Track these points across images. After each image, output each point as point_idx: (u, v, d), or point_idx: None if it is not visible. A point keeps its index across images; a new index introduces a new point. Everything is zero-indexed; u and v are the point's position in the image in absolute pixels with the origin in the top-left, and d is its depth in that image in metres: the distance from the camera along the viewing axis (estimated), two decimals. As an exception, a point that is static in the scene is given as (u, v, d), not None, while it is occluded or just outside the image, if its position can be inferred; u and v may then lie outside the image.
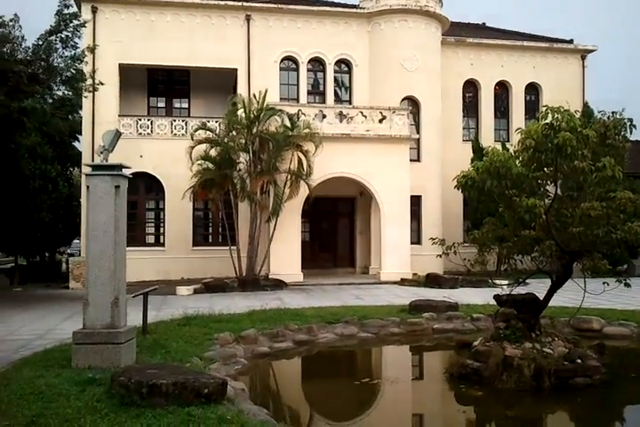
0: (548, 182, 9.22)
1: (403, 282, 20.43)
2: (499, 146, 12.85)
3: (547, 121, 8.15)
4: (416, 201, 23.29)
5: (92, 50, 17.25)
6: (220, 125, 21.49)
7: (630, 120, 9.63)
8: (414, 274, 21.03)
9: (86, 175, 8.27)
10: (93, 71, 20.84)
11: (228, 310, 13.77)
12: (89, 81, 17.85)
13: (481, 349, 9.33)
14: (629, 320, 12.46)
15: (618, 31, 68.01)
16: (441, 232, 22.72)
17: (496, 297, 9.97)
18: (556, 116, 8.11)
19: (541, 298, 9.84)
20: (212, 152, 19.79)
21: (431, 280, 19.69)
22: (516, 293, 9.86)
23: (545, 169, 8.93)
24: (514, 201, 8.47)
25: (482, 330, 12.15)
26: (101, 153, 8.39)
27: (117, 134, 8.62)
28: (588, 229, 8.80)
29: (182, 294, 17.95)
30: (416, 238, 22.91)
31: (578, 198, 9.39)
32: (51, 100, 24.41)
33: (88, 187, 8.28)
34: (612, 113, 9.86)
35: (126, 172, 8.73)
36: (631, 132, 9.55)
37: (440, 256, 9.86)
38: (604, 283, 9.18)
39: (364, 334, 12.39)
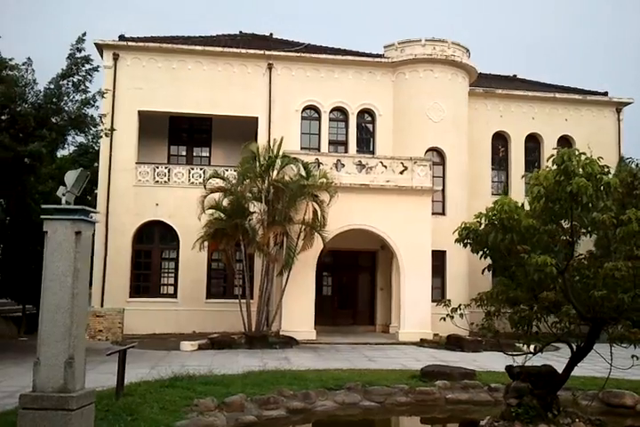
0: (566, 237, 8.11)
1: (422, 343, 19.12)
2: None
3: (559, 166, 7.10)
4: (440, 256, 22.16)
5: (103, 94, 16.94)
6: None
7: (661, 169, 8.52)
8: (435, 334, 19.69)
9: (44, 219, 7.50)
10: (112, 117, 20.80)
11: (227, 369, 12.82)
12: (101, 126, 17.51)
13: (488, 429, 8.09)
14: (667, 395, 11.00)
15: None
16: (467, 290, 21.50)
17: (507, 369, 8.75)
18: (570, 160, 7.07)
19: (560, 371, 8.59)
20: (225, 202, 19.12)
21: (452, 342, 18.31)
22: (531, 364, 8.63)
23: (561, 222, 7.85)
24: (522, 258, 7.36)
25: (500, 402, 10.79)
26: (64, 195, 7.64)
27: (83, 174, 7.89)
28: (612, 292, 7.62)
29: (186, 350, 16.97)
30: (440, 296, 21.59)
31: (601, 257, 8.26)
32: (74, 148, 24.45)
33: (46, 232, 7.51)
34: (642, 161, 8.83)
35: (94, 217, 7.98)
36: (662, 183, 8.42)
37: (444, 319, 8.70)
38: (632, 356, 7.93)
39: (367, 403, 11.14)
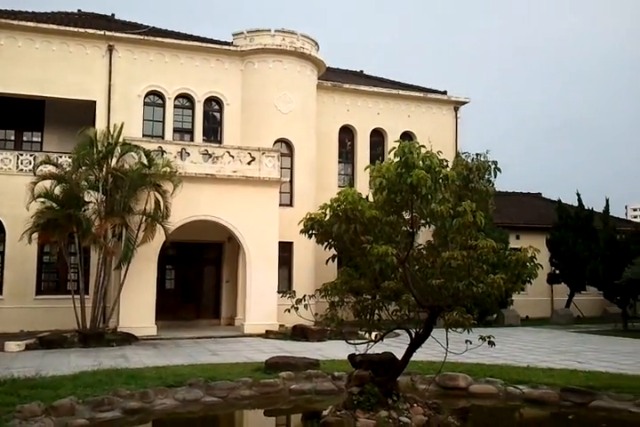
0: (407, 228, 8.26)
1: (268, 335, 19.04)
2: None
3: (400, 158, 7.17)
4: (287, 247, 22.20)
5: None
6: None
7: (495, 163, 8.96)
8: (281, 325, 19.69)
9: None
10: None
11: (57, 370, 11.94)
12: None
13: (330, 420, 8.08)
14: (496, 377, 11.68)
15: (492, 84, 72.23)
16: (313, 281, 21.71)
17: (350, 358, 8.81)
18: (411, 152, 7.17)
19: (400, 357, 8.77)
20: (58, 190, 17.77)
21: (298, 332, 18.40)
22: (373, 351, 8.75)
23: (402, 213, 7.98)
24: (365, 248, 7.38)
25: (343, 391, 10.89)
26: None
27: None
28: (448, 281, 7.86)
29: (11, 351, 15.57)
30: (286, 287, 21.61)
31: (439, 247, 8.51)
32: None
33: None
34: (477, 155, 9.23)
35: None
36: (495, 176, 8.86)
37: (289, 311, 8.57)
38: (466, 341, 8.27)
39: (209, 399, 10.75)
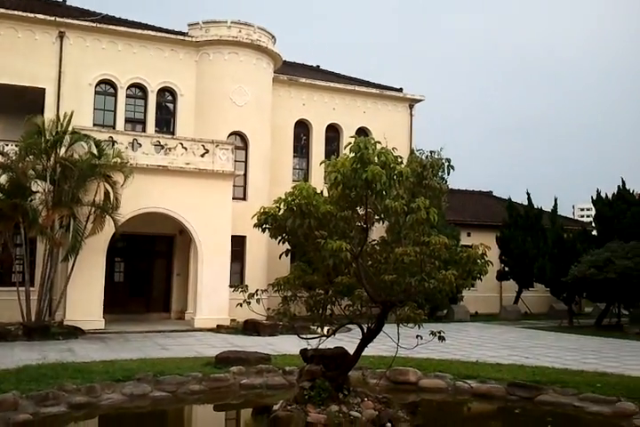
0: (361, 224, 8.26)
1: (219, 329, 18.91)
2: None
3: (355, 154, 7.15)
4: (240, 241, 22.04)
5: None
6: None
7: (448, 160, 9.03)
8: (233, 320, 19.56)
9: None
10: None
11: (0, 364, 11.60)
12: None
13: (281, 414, 8.03)
14: (445, 371, 11.84)
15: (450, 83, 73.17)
16: (266, 275, 21.64)
17: (302, 352, 8.79)
18: (366, 148, 7.16)
19: (352, 352, 8.79)
20: (3, 179, 17.24)
21: (249, 327, 18.32)
22: (325, 346, 8.74)
23: (357, 208, 7.98)
24: (319, 243, 7.35)
25: (294, 386, 10.88)
26: None
27: None
28: (400, 276, 7.89)
29: (-49, 345, 15.05)
30: (239, 281, 21.50)
31: (392, 243, 8.54)
32: None
33: None
34: (431, 152, 9.29)
35: None
36: (449, 173, 8.94)
37: (241, 305, 8.49)
38: (417, 336, 8.33)
39: (158, 394, 10.58)
